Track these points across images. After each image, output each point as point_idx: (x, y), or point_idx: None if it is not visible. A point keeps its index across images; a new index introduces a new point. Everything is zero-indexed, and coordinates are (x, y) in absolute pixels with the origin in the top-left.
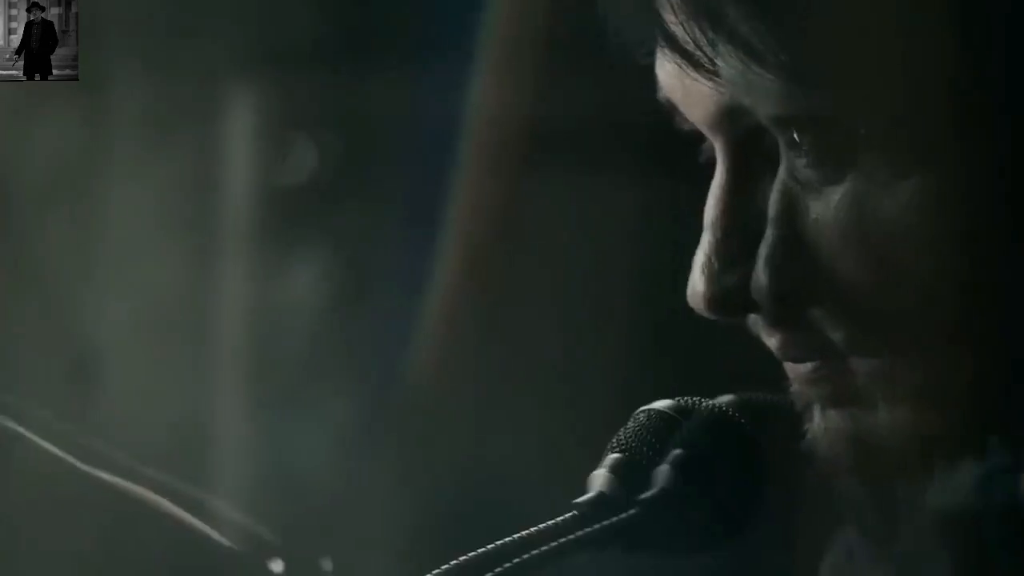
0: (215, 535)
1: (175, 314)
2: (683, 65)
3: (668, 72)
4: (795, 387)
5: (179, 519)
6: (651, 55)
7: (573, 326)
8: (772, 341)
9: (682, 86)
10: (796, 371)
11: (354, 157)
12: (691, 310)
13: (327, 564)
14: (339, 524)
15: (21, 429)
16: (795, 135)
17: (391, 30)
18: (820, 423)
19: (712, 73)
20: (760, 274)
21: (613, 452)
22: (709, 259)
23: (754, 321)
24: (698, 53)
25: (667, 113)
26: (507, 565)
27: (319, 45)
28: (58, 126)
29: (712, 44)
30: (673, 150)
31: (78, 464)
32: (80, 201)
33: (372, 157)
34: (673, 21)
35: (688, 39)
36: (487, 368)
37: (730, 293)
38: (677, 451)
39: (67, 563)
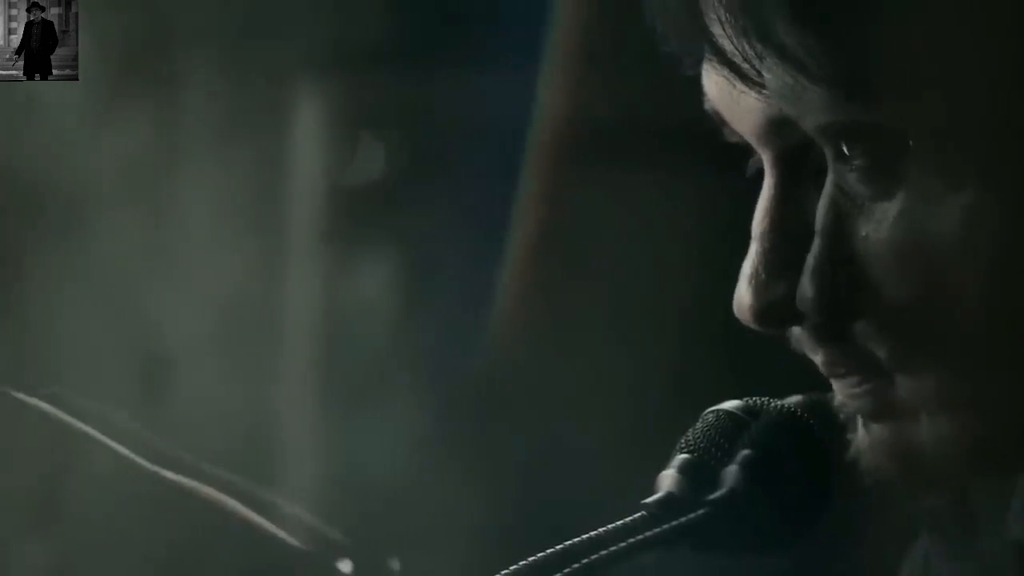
0: (284, 535)
1: (244, 315)
2: (731, 78)
3: (715, 84)
4: (839, 399)
5: (248, 520)
6: (698, 65)
7: (639, 326)
8: (817, 357)
9: (730, 98)
10: (840, 385)
11: (421, 158)
12: None
13: (395, 564)
14: (407, 524)
15: (92, 430)
16: (844, 147)
17: (458, 32)
18: (863, 435)
19: (760, 85)
20: (806, 286)
21: (681, 453)
22: (756, 271)
23: (798, 337)
24: (746, 66)
25: (715, 125)
26: (576, 565)
27: (386, 46)
28: (127, 127)
29: (760, 57)
30: (733, 153)
31: (148, 465)
32: (150, 202)
33: (439, 158)
34: (721, 35)
35: (736, 52)
36: (553, 368)
37: (776, 305)
38: (745, 452)
39: (138, 563)
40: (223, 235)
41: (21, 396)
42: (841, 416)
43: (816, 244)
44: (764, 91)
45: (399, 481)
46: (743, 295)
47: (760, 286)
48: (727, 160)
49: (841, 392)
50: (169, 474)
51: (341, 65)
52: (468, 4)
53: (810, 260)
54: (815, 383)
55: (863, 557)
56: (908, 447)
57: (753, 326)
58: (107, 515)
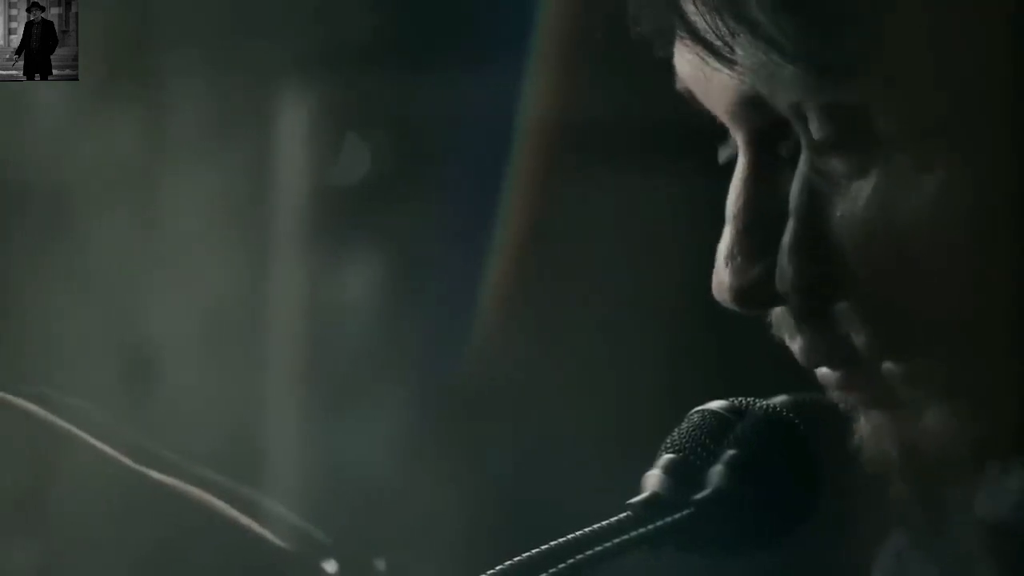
0: (269, 535)
1: (229, 314)
2: (703, 55)
3: (688, 62)
4: (832, 393)
5: (233, 519)
6: (670, 46)
7: (625, 326)
8: (797, 343)
9: (703, 76)
10: (826, 378)
11: (407, 158)
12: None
13: (380, 564)
14: (393, 524)
15: (77, 430)
16: (817, 126)
17: (444, 32)
18: (866, 424)
19: (733, 63)
20: (784, 266)
21: (667, 452)
22: (732, 251)
23: (779, 320)
24: (718, 43)
25: (690, 105)
26: (561, 565)
27: (372, 46)
28: (115, 127)
29: (733, 34)
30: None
31: (132, 464)
32: (136, 202)
33: (424, 158)
34: (694, 12)
35: (709, 30)
36: (539, 368)
37: (755, 285)
38: (731, 451)
39: (122, 562)
40: (209, 235)
41: (6, 396)
42: (840, 408)
43: (791, 224)
44: (737, 68)
45: (384, 481)
46: (721, 276)
47: (737, 267)
48: (714, 158)
49: (829, 386)
50: (153, 473)
51: (327, 65)
52: (454, 3)
53: (785, 240)
54: (802, 383)
55: (850, 556)
56: (910, 436)
57: (733, 307)
58: (91, 514)
